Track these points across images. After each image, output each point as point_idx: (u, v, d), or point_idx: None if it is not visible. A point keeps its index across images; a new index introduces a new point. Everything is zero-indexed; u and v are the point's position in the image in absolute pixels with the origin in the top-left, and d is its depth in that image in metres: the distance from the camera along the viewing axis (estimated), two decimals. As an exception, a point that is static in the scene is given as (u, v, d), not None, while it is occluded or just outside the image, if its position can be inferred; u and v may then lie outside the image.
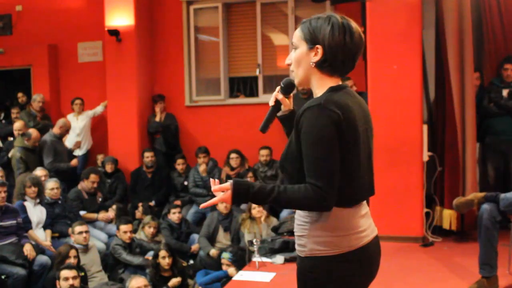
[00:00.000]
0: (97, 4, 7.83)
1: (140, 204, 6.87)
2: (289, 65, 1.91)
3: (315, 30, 1.82)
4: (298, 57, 1.87)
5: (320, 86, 1.85)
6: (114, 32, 7.44)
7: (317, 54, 1.82)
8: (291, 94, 2.04)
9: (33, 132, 6.73)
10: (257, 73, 7.60)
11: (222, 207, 5.89)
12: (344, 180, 1.75)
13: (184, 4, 7.81)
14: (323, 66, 1.83)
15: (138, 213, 6.75)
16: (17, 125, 7.07)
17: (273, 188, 1.75)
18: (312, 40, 1.82)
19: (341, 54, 1.80)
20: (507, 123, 5.48)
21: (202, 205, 1.86)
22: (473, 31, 5.26)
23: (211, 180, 1.83)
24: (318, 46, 1.81)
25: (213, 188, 1.79)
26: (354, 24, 1.84)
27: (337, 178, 1.73)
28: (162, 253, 4.99)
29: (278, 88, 2.01)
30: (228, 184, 1.75)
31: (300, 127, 1.75)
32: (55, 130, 6.90)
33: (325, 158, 1.71)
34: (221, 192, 1.78)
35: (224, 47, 7.71)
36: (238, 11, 7.77)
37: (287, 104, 2.04)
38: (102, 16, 7.59)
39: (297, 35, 1.88)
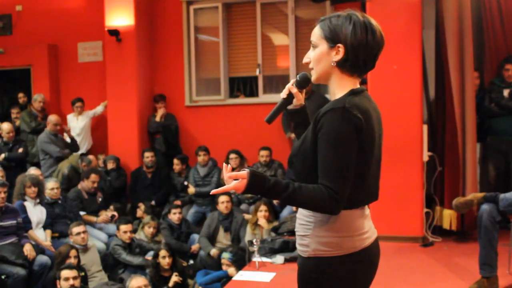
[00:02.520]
0: (97, 4, 7.84)
1: (140, 204, 6.86)
2: (307, 63, 1.88)
3: (336, 28, 1.79)
4: (318, 56, 1.84)
5: (340, 86, 1.83)
6: (114, 32, 7.44)
7: (339, 53, 1.79)
8: (304, 90, 2.02)
9: (93, 159, 6.97)
10: (257, 73, 7.60)
11: (222, 207, 5.89)
12: (355, 183, 1.75)
13: (184, 4, 7.81)
14: (345, 65, 1.80)
15: (140, 212, 6.74)
16: (5, 127, 7.05)
17: (288, 184, 1.71)
18: (333, 39, 1.79)
19: (363, 53, 1.78)
20: (508, 123, 5.48)
21: (214, 191, 1.80)
22: (473, 31, 5.26)
23: (224, 165, 1.77)
24: (339, 45, 1.78)
25: (228, 174, 1.73)
26: (374, 22, 1.81)
27: (350, 183, 1.72)
28: (163, 252, 4.99)
29: (292, 81, 1.98)
30: (245, 173, 1.70)
31: (320, 127, 1.72)
32: (49, 127, 7.01)
33: (343, 162, 1.69)
34: (233, 180, 1.72)
35: (224, 47, 7.71)
36: (238, 11, 7.77)
37: (300, 99, 2.00)
38: (102, 16, 7.59)
39: (317, 33, 1.84)
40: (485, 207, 3.86)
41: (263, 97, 7.52)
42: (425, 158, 5.20)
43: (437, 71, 5.40)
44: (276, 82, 7.62)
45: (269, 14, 7.60)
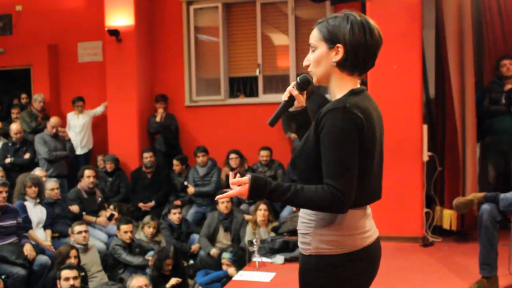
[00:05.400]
0: (97, 4, 7.84)
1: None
2: (307, 66, 1.90)
3: (334, 29, 1.81)
4: (318, 57, 1.85)
5: (340, 86, 1.84)
6: (114, 32, 7.44)
7: (338, 53, 1.80)
8: (305, 91, 2.03)
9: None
10: (257, 73, 7.60)
11: (222, 207, 5.89)
12: (358, 183, 1.75)
13: (184, 4, 7.81)
14: (345, 64, 1.81)
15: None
16: (14, 127, 7.04)
17: (290, 186, 1.74)
18: (332, 40, 1.81)
19: (362, 52, 1.80)
20: (508, 123, 5.48)
21: (218, 197, 1.86)
22: (473, 31, 5.26)
23: (231, 173, 1.82)
24: (339, 45, 1.80)
25: (231, 181, 1.78)
26: (372, 21, 1.83)
27: (355, 182, 1.73)
28: (168, 261, 4.98)
29: (293, 83, 2.00)
30: (247, 178, 1.74)
31: (322, 127, 1.73)
32: (49, 129, 7.01)
33: (346, 161, 1.70)
34: (237, 186, 1.77)
35: (224, 47, 7.71)
36: (238, 11, 7.77)
37: (301, 101, 2.02)
38: (102, 16, 7.59)
39: (315, 35, 1.86)
40: (485, 206, 3.86)
41: (263, 97, 7.52)
42: (425, 158, 5.20)
43: (437, 71, 5.40)
44: (276, 82, 7.62)
45: (269, 14, 7.60)
